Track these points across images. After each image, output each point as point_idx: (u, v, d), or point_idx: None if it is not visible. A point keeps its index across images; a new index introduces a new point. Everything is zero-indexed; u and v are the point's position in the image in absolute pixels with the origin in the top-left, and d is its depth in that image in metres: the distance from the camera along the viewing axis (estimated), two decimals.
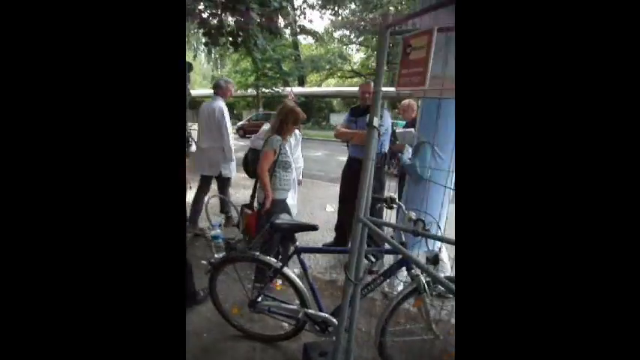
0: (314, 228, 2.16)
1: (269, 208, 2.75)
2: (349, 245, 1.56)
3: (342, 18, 26.22)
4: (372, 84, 3.22)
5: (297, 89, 24.16)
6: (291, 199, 3.11)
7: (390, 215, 2.31)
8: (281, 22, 6.88)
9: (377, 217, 2.58)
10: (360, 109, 3.68)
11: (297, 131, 3.47)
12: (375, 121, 1.38)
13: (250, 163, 3.45)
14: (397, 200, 2.21)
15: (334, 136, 3.87)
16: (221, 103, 3.94)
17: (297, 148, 3.65)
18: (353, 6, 24.50)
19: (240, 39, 6.69)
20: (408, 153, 3.44)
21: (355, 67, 29.19)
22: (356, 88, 3.95)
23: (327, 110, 29.33)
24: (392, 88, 1.72)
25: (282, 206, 2.85)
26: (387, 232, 2.28)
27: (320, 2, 24.68)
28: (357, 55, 30.68)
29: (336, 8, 24.88)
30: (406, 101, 4.57)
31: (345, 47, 29.20)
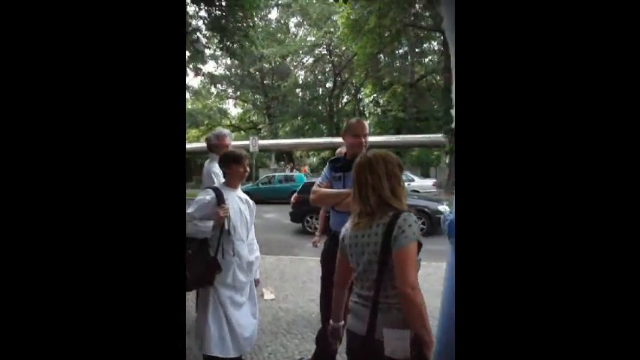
0: None
1: None
2: None
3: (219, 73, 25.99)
4: (366, 124, 2.49)
5: None
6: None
7: None
8: None
9: None
10: (347, 162, 2.44)
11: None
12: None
13: None
14: None
15: (311, 201, 2.48)
16: (211, 164, 3.07)
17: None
18: (228, 61, 24.45)
19: None
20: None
21: (234, 122, 28.76)
22: (241, 142, 2.96)
23: None
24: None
25: None
26: None
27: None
28: (234, 110, 30.51)
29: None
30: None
31: (222, 102, 28.75)
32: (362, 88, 24.61)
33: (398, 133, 19.59)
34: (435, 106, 19.31)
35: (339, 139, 2.71)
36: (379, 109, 22.72)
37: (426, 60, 22.33)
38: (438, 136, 15.07)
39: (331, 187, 2.40)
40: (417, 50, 21.12)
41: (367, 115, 23.58)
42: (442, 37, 13.66)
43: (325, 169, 2.50)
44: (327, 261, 2.45)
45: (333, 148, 23.11)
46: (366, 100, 24.69)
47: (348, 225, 1.42)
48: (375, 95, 22.61)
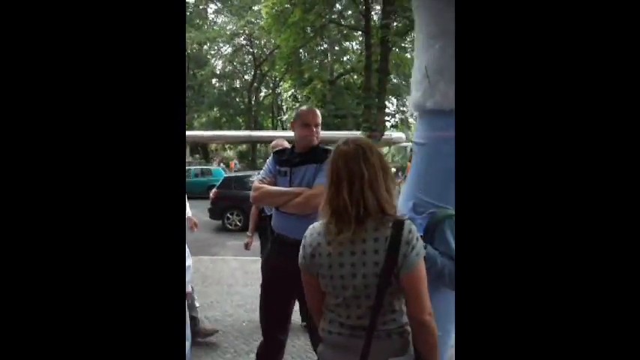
0: None
1: None
2: None
3: None
4: (318, 112, 2.17)
5: None
6: None
7: None
8: None
9: None
10: (295, 155, 2.12)
11: None
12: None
13: None
14: None
15: (252, 199, 2.15)
16: None
17: None
18: None
19: None
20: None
21: None
22: None
23: None
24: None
25: None
26: None
27: None
28: None
29: None
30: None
31: None
32: (281, 83, 24.30)
33: None
34: (352, 104, 19.72)
35: (259, 133, 2.46)
36: (297, 105, 22.63)
37: (345, 58, 22.73)
38: (357, 133, 15.38)
39: (275, 184, 2.10)
40: (336, 48, 21.40)
41: (285, 109, 23.34)
42: (364, 37, 13.91)
43: (269, 162, 2.19)
44: (271, 270, 2.12)
45: (251, 141, 22.59)
46: (285, 95, 24.42)
47: (320, 238, 1.12)
48: (293, 90, 22.45)
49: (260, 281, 2.14)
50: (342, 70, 22.28)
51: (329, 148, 2.00)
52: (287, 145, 2.93)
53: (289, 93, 23.45)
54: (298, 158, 2.08)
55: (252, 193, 2.10)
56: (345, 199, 1.04)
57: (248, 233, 3.19)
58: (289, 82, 22.25)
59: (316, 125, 2.10)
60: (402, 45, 15.00)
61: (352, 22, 16.86)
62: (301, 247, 1.19)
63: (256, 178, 2.17)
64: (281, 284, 2.01)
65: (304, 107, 2.12)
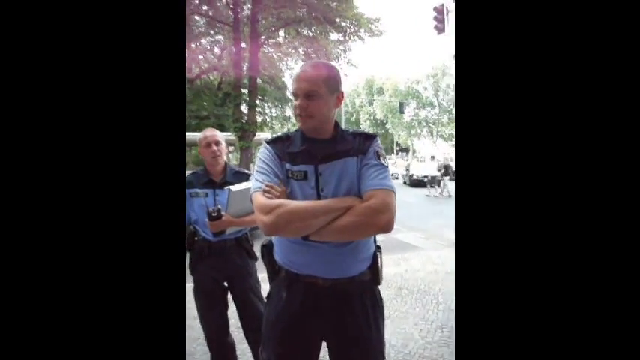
0: None
1: None
2: None
3: None
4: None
5: None
6: None
7: None
8: None
9: None
10: (316, 144, 1.34)
11: None
12: None
13: None
14: None
15: (268, 227, 1.23)
16: None
17: None
18: None
19: None
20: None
21: None
22: None
23: None
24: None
25: None
26: None
27: None
28: None
29: None
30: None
31: None
32: None
33: None
34: (210, 104, 18.67)
35: None
36: None
37: (201, 58, 21.37)
38: (227, 134, 14.46)
39: (291, 195, 1.29)
40: (193, 45, 19.91)
41: None
42: (233, 30, 13.11)
43: (266, 159, 1.33)
44: (295, 335, 1.33)
45: None
46: None
47: None
48: None
49: None
50: (197, 71, 20.91)
51: (370, 132, 1.42)
52: (219, 134, 2.26)
53: None
54: (324, 149, 1.31)
55: (263, 218, 1.20)
56: None
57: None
58: None
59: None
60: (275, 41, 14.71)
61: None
62: None
63: (253, 188, 1.31)
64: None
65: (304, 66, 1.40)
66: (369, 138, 1.37)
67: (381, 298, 1.42)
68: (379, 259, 1.40)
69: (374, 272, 1.39)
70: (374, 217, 1.19)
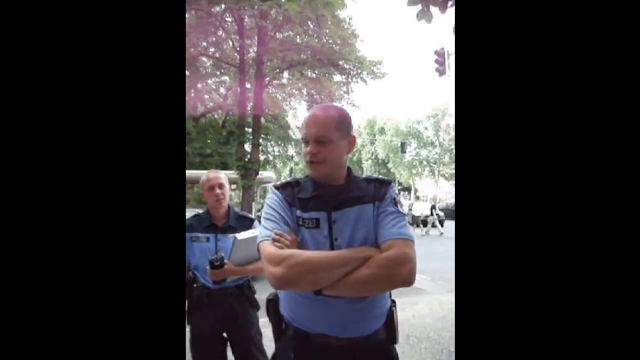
0: None
1: None
2: None
3: None
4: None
5: None
6: None
7: None
8: None
9: None
10: (327, 190, 1.26)
11: None
12: None
13: None
14: None
15: (273, 281, 1.13)
16: None
17: None
18: None
19: None
20: None
21: None
22: None
23: None
24: None
25: None
26: None
27: None
28: None
29: None
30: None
31: None
32: None
33: None
34: (214, 142, 18.86)
35: None
36: None
37: (207, 97, 21.81)
38: (230, 172, 14.46)
39: (301, 244, 1.19)
40: (199, 85, 20.38)
41: None
42: (239, 71, 13.42)
43: (274, 205, 1.24)
44: None
45: None
46: None
47: None
48: None
49: None
50: (202, 110, 21.30)
51: (384, 178, 1.32)
52: (223, 177, 2.19)
53: None
54: (338, 195, 1.23)
55: (272, 270, 1.10)
56: None
57: None
58: None
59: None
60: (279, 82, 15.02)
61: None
62: None
63: (261, 236, 1.21)
64: None
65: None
66: (385, 184, 1.29)
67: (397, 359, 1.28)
68: (395, 315, 1.28)
69: (390, 330, 1.26)
70: (394, 269, 1.10)
